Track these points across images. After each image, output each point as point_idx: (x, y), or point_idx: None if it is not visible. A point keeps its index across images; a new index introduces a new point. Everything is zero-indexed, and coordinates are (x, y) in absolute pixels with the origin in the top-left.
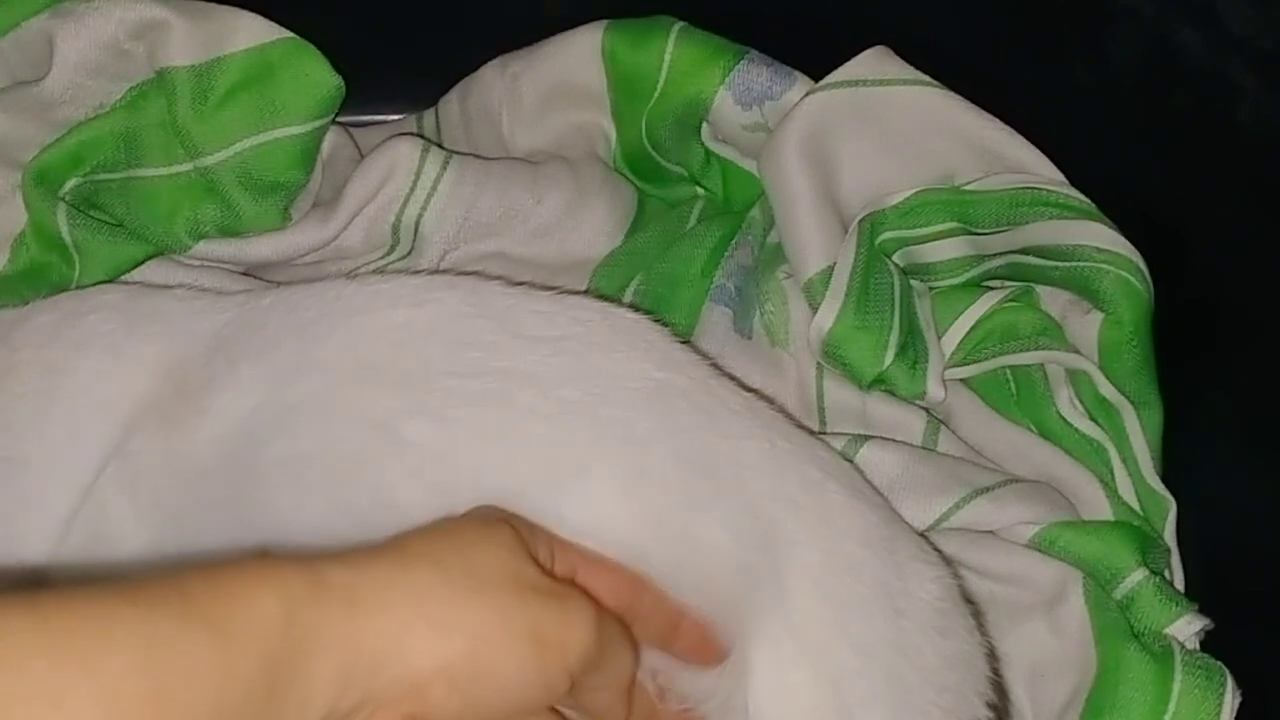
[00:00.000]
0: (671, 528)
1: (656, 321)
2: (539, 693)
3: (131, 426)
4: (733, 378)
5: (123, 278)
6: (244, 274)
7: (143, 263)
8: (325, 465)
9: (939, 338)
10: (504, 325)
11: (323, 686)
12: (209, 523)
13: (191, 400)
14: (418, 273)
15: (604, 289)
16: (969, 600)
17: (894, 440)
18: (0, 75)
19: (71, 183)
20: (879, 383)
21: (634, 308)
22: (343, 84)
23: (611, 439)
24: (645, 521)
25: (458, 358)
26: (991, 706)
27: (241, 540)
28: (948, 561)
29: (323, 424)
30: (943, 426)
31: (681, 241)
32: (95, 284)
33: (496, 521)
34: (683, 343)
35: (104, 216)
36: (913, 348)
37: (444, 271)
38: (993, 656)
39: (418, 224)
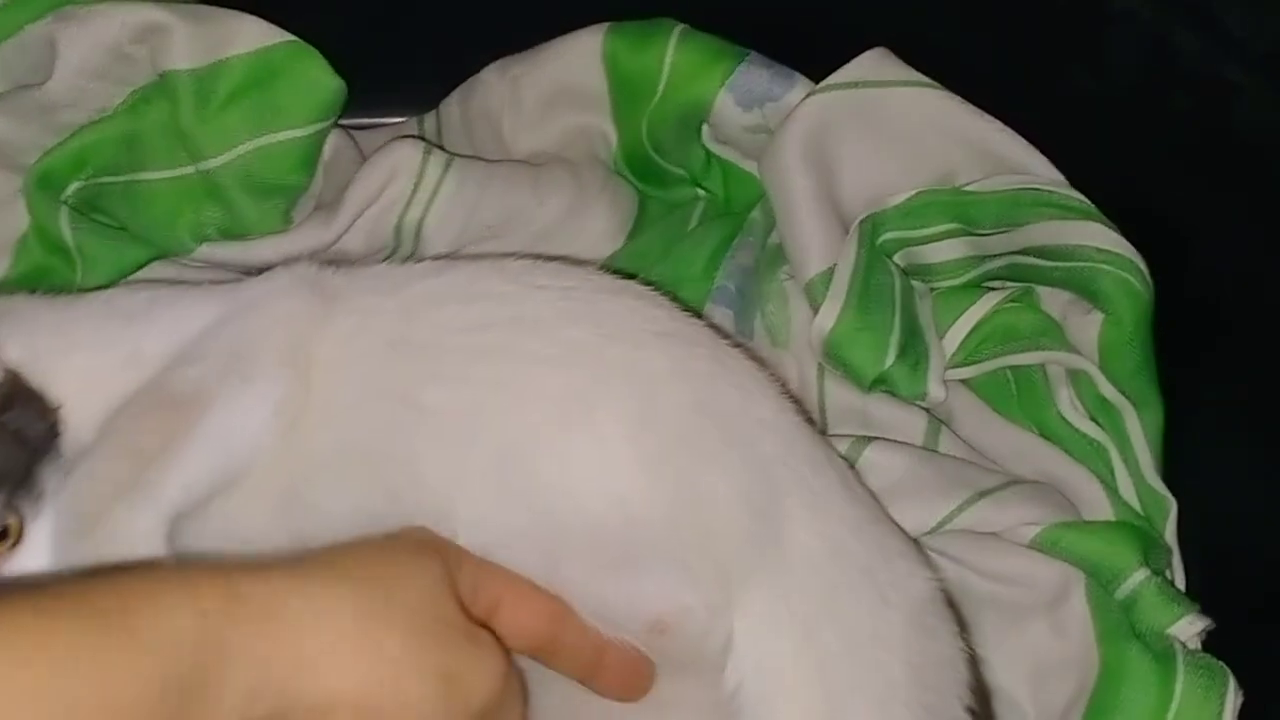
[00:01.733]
0: (677, 475)
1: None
2: None
3: None
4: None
5: (124, 280)
6: (246, 276)
7: (145, 265)
8: (362, 448)
9: (940, 338)
10: (517, 279)
11: (232, 699)
12: (256, 513)
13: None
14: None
15: None
16: (952, 606)
17: (897, 442)
18: (2, 79)
19: (74, 186)
20: (880, 383)
21: None
22: (344, 86)
23: (619, 378)
24: (651, 466)
25: (469, 312)
26: (971, 713)
27: (289, 529)
28: (934, 566)
29: (354, 406)
30: (944, 427)
31: (682, 243)
32: (97, 287)
33: (428, 551)
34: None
35: (106, 219)
36: (914, 348)
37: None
38: (974, 664)
39: (420, 227)
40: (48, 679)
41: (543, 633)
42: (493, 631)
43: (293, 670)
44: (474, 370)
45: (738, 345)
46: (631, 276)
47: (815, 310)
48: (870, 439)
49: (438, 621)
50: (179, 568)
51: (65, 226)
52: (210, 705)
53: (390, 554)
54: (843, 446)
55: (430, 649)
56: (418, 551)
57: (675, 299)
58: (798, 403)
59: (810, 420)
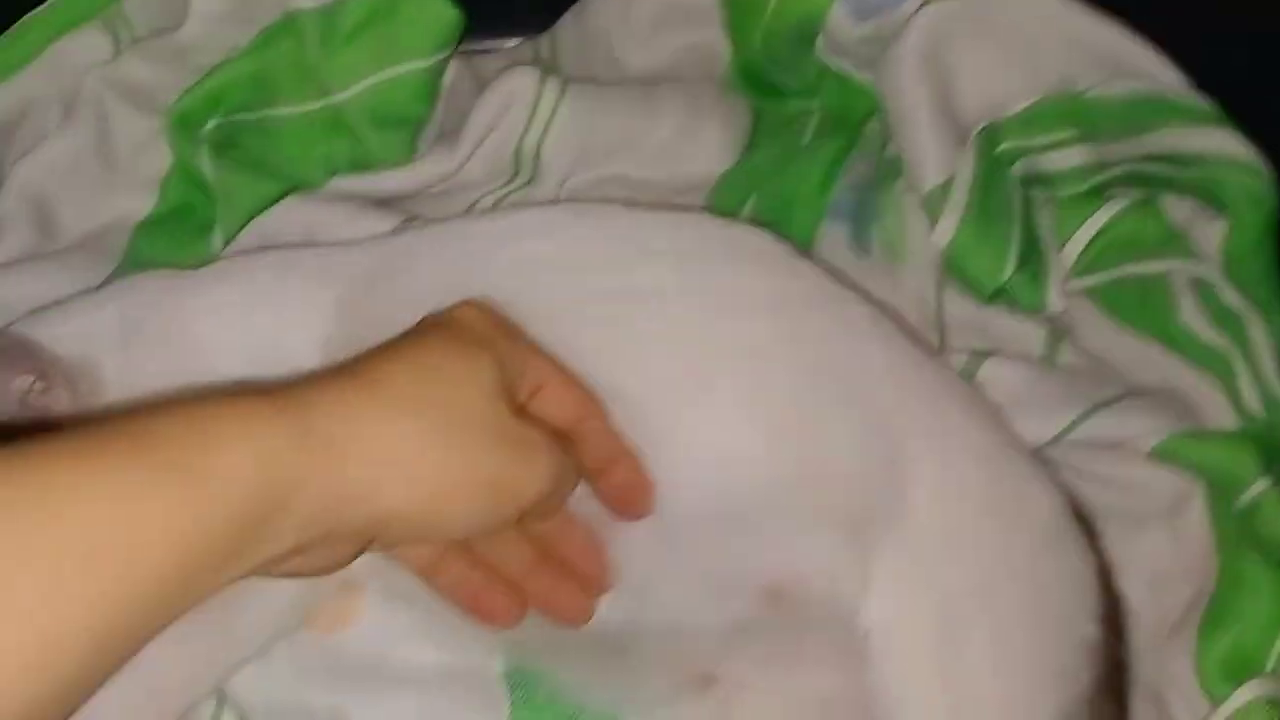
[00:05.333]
0: (796, 440)
1: (776, 236)
2: (488, 527)
3: (327, 361)
4: (856, 290)
5: (261, 215)
6: (375, 206)
7: (279, 199)
8: None
9: (1060, 249)
10: (627, 244)
11: (292, 527)
12: None
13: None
14: (543, 203)
15: (721, 208)
16: (1082, 519)
17: (1015, 355)
18: (141, 26)
19: (211, 124)
20: (999, 296)
21: (752, 223)
22: (461, 16)
23: (735, 351)
24: (772, 435)
25: (583, 284)
26: (1103, 623)
27: None
28: (1061, 481)
29: None
30: (1064, 338)
31: (797, 158)
32: (237, 222)
33: (480, 353)
34: (803, 257)
35: (242, 156)
36: (1033, 259)
37: (565, 200)
38: (1106, 574)
39: (538, 152)
40: (108, 517)
41: (571, 423)
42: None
43: (350, 499)
44: (587, 339)
45: (851, 287)
46: (747, 195)
47: (933, 223)
48: (989, 352)
49: (490, 433)
50: (238, 402)
51: (205, 164)
52: (270, 534)
53: (444, 366)
54: (960, 361)
55: (482, 463)
56: (469, 355)
57: (789, 223)
58: (914, 333)
59: (928, 345)
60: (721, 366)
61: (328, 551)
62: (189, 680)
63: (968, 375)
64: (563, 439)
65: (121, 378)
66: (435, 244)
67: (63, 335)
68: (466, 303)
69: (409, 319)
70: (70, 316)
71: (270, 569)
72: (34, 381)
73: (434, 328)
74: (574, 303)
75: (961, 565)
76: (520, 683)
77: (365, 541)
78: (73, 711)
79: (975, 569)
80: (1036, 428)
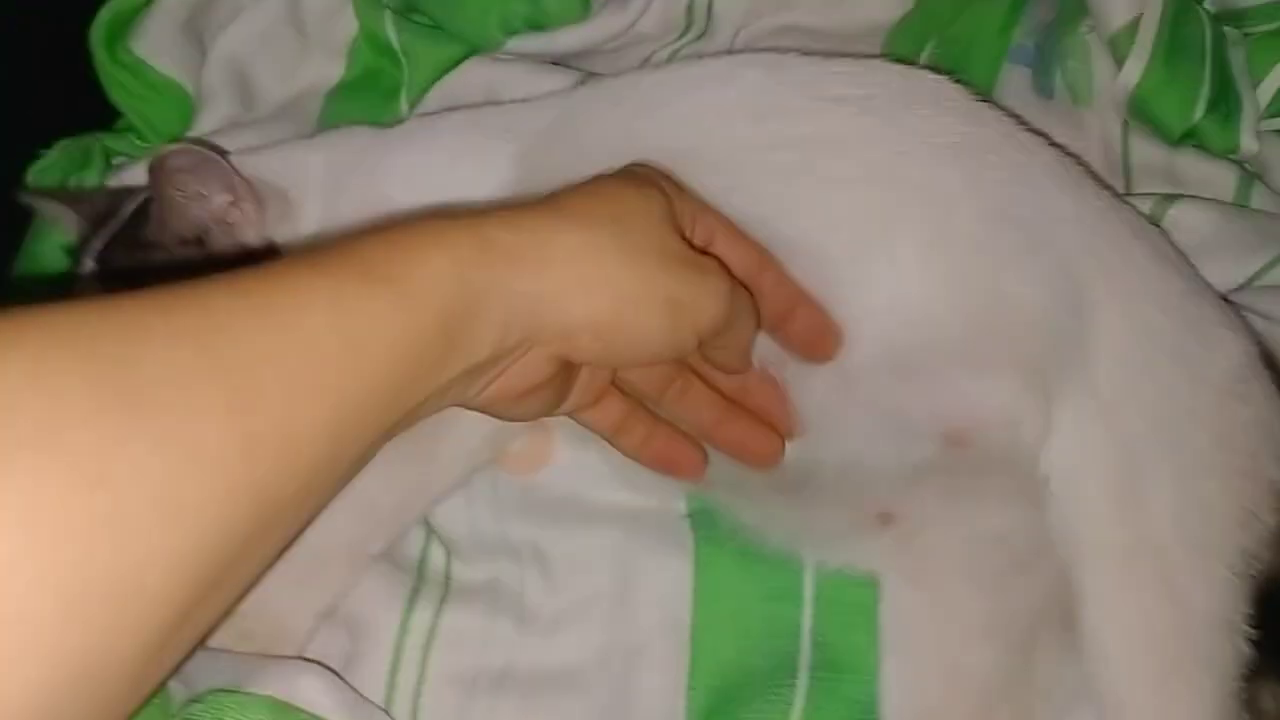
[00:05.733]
0: (980, 287)
1: (956, 81)
2: (669, 349)
3: None
4: (1039, 134)
5: (444, 77)
6: (552, 65)
7: (461, 62)
8: None
9: (1254, 88)
10: (806, 91)
11: (489, 332)
12: None
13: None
14: (718, 55)
15: (899, 53)
16: (1272, 365)
17: (1204, 198)
18: None
19: None
20: (1189, 138)
21: (931, 69)
22: None
23: (917, 200)
24: (955, 281)
25: (763, 131)
26: None
27: None
28: (1250, 327)
29: None
30: (1256, 181)
31: (976, 0)
32: (422, 86)
33: (650, 187)
34: (984, 102)
35: (425, 20)
36: (1225, 99)
37: (740, 50)
38: None
39: (710, 4)
40: (331, 323)
41: (747, 270)
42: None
43: (539, 304)
44: (771, 187)
45: (1034, 132)
46: (925, 40)
47: (1120, 64)
48: (1176, 196)
49: (664, 253)
50: (434, 222)
51: (390, 29)
52: (471, 341)
53: (618, 195)
54: (1146, 206)
55: (659, 280)
56: (643, 188)
57: (969, 67)
58: (1098, 178)
59: (1113, 190)
60: (905, 213)
61: (523, 369)
62: (399, 506)
63: (1154, 220)
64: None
65: (322, 221)
66: (613, 97)
67: (274, 168)
68: (636, 163)
69: (587, 170)
70: (283, 154)
71: (476, 383)
72: (232, 201)
73: (605, 175)
74: (754, 151)
75: (1145, 410)
76: (704, 522)
77: (557, 359)
78: (311, 515)
79: (1160, 414)
80: (1226, 272)
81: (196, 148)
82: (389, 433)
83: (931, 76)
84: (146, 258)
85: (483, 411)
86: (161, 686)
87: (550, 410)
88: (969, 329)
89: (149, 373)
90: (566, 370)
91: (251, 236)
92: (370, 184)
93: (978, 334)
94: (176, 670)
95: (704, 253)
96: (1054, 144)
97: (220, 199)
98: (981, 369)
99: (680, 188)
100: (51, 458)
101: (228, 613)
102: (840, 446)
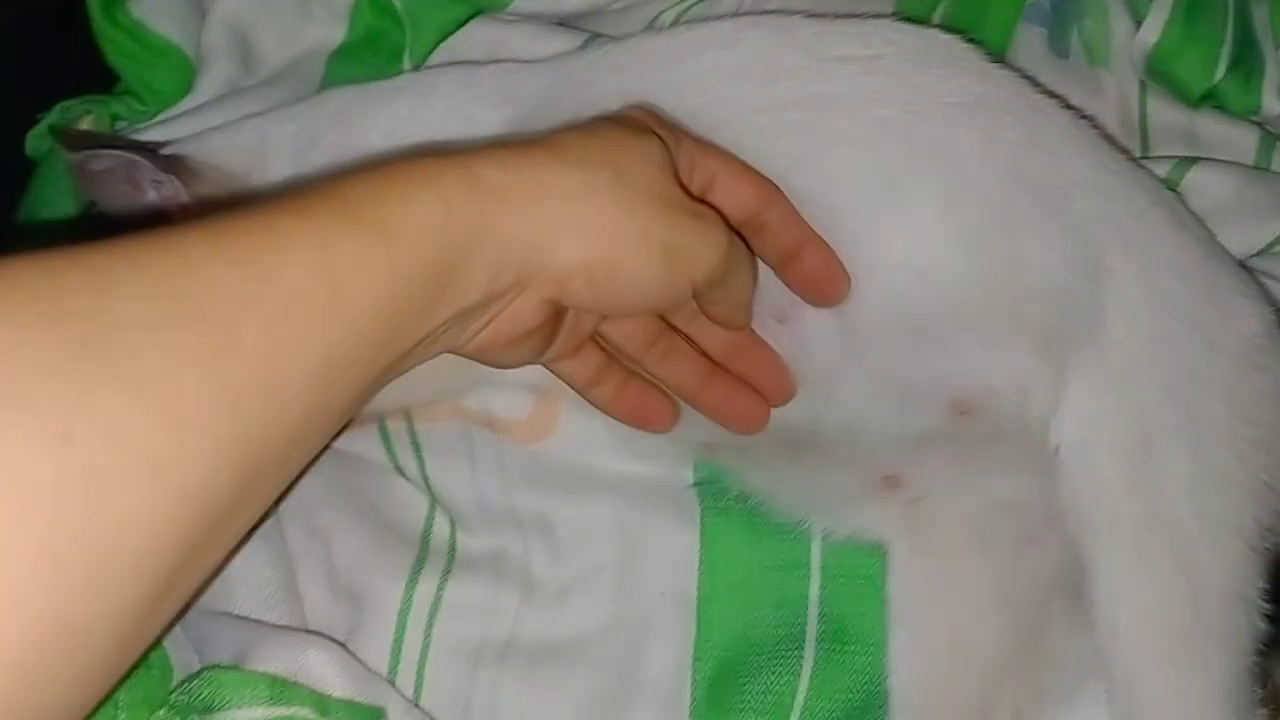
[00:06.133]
0: (994, 247)
1: (970, 41)
2: (662, 296)
3: None
4: (1054, 96)
5: (448, 39)
6: (558, 25)
7: (465, 22)
8: None
9: (1277, 48)
10: (812, 51)
11: (480, 275)
12: None
13: None
14: (724, 16)
15: (911, 13)
16: None
17: (1224, 161)
18: None
19: None
20: (1209, 99)
21: (944, 29)
22: None
23: (929, 157)
24: (967, 242)
25: (768, 92)
26: None
27: None
28: (1269, 294)
29: None
30: (1278, 143)
31: None
32: (425, 47)
33: (647, 131)
34: (998, 62)
35: None
36: (1247, 59)
37: (747, 12)
38: None
39: None
40: (314, 268)
41: (752, 208)
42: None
43: (531, 245)
44: (778, 145)
45: (1049, 93)
46: (937, 2)
47: (1138, 23)
48: (1194, 160)
49: (661, 199)
50: (421, 161)
51: None
52: (461, 284)
53: (614, 139)
54: (1164, 169)
55: (655, 226)
56: (640, 132)
57: (983, 25)
58: (1114, 141)
59: (1128, 153)
60: (918, 172)
61: (513, 314)
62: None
63: (1172, 183)
64: (742, 230)
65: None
66: (612, 63)
67: (236, 147)
68: (634, 105)
69: None
70: (252, 129)
71: (466, 328)
72: (168, 196)
73: (602, 119)
74: (762, 111)
75: (1160, 380)
76: (711, 491)
77: (549, 304)
78: (300, 466)
79: (1174, 384)
80: (1245, 237)
81: (115, 152)
82: (379, 380)
83: (943, 36)
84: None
85: (473, 358)
86: (154, 646)
87: (537, 357)
88: (981, 292)
89: (118, 323)
90: (556, 316)
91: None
92: (349, 134)
93: (990, 298)
94: (168, 630)
95: (704, 201)
96: (1070, 106)
97: (151, 195)
98: (992, 336)
99: (679, 131)
100: (13, 413)
101: (218, 570)
102: (843, 409)
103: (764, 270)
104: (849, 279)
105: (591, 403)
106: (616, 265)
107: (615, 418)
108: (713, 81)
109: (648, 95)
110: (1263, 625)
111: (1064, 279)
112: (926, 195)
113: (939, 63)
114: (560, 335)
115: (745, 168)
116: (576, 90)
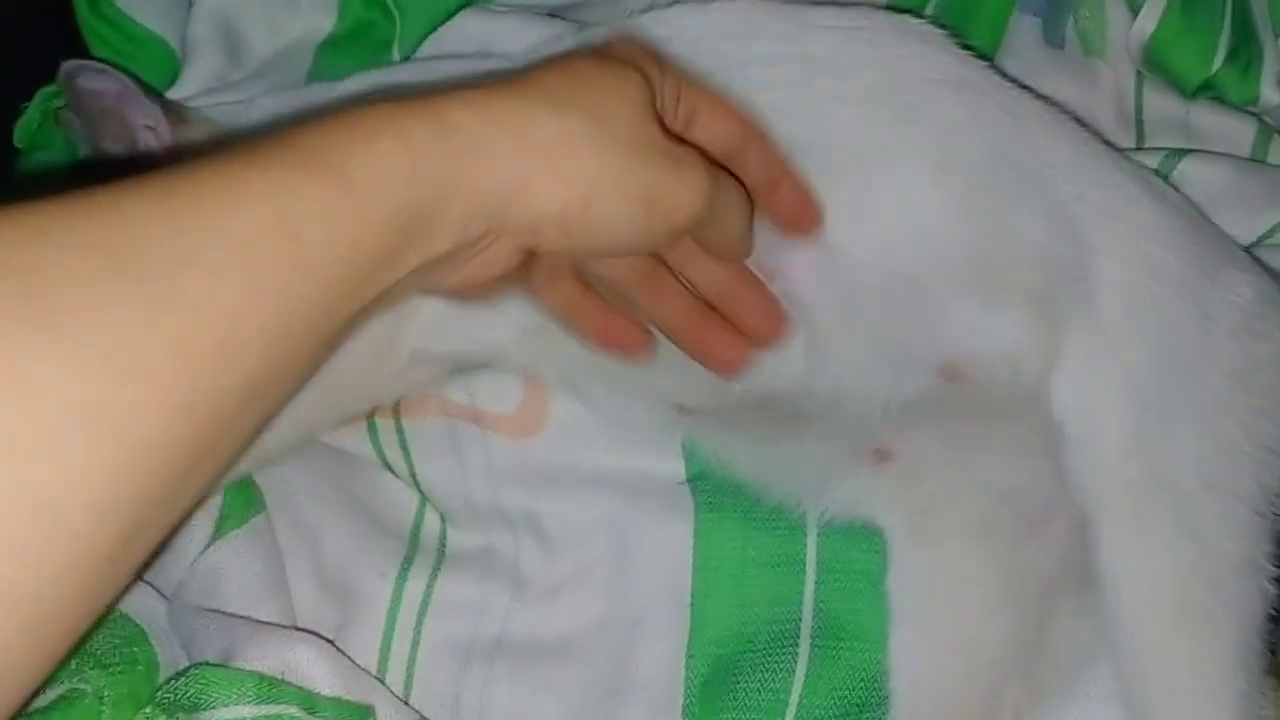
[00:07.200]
0: (985, 213)
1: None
2: (641, 244)
3: None
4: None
5: (439, 29)
6: (548, 15)
7: (455, 13)
8: None
9: (1276, 37)
10: (794, 17)
11: (449, 225)
12: None
13: None
14: None
15: (905, 2)
16: None
17: (1217, 153)
18: None
19: None
20: (1206, 89)
21: (937, 21)
22: None
23: (921, 122)
24: (958, 205)
25: (751, 49)
26: None
27: None
28: (1264, 267)
29: None
30: (1275, 135)
31: None
32: (415, 38)
33: (630, 69)
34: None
35: None
36: (1245, 49)
37: None
38: None
39: None
40: (269, 218)
41: (732, 142)
42: (691, 144)
43: (503, 194)
44: (767, 96)
45: (1024, 88)
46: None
47: (1135, 13)
48: (1186, 151)
49: (640, 144)
50: (389, 106)
51: None
52: (429, 235)
53: (592, 78)
54: (1155, 161)
55: (633, 173)
56: (620, 71)
57: (978, 15)
58: (1089, 128)
59: (1105, 141)
60: (911, 132)
61: (486, 260)
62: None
63: (1163, 174)
64: (725, 163)
65: None
66: (594, 37)
67: (226, 111)
68: (619, 36)
69: None
70: (241, 104)
71: (434, 275)
72: (149, 127)
73: (583, 54)
74: (748, 64)
75: (1155, 347)
76: (704, 488)
77: (521, 249)
78: (267, 418)
79: (1170, 351)
80: (1238, 229)
81: (112, 70)
82: (344, 330)
83: (916, 21)
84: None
85: (443, 299)
86: (115, 603)
87: (513, 293)
88: (970, 256)
89: (55, 280)
90: (530, 257)
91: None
92: (306, 115)
93: (979, 262)
94: (128, 589)
95: (684, 139)
96: (1040, 96)
97: (137, 123)
98: (982, 300)
99: (662, 65)
100: None
101: (182, 521)
102: (831, 371)
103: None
104: (821, 213)
105: (571, 329)
106: (592, 214)
107: (595, 345)
108: (695, 37)
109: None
110: (1272, 590)
111: (1050, 248)
112: (920, 155)
113: (915, 39)
114: (537, 273)
115: (726, 104)
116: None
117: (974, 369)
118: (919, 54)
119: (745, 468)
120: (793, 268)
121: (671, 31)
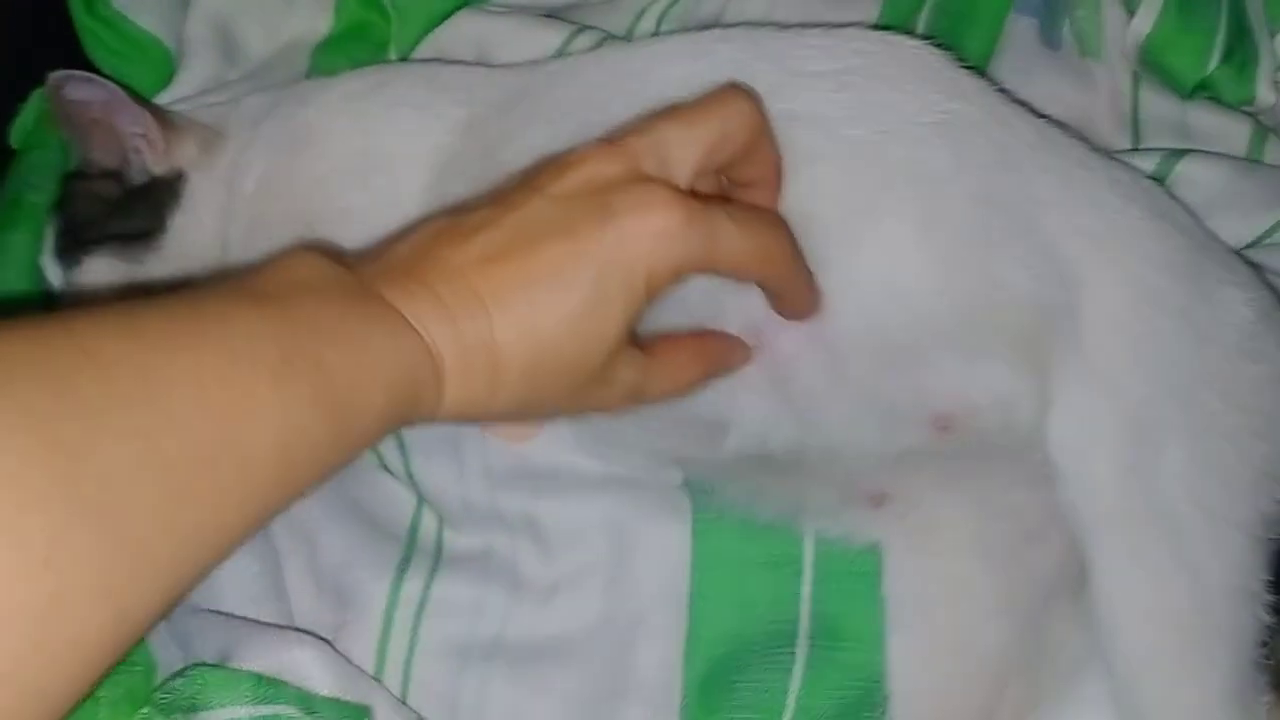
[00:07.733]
0: (967, 267)
1: (941, 49)
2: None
3: (443, 174)
4: (1028, 105)
5: (435, 30)
6: (544, 18)
7: (451, 14)
8: None
9: (1272, 37)
10: (782, 65)
11: (427, 403)
12: None
13: (495, 156)
14: (694, 30)
15: (901, 6)
16: None
17: (1214, 153)
18: None
19: None
20: (1202, 90)
21: (928, 33)
22: None
23: (903, 179)
24: (941, 262)
25: None
26: None
27: None
28: (1263, 283)
29: None
30: (1271, 134)
31: None
32: (411, 39)
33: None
34: (969, 69)
35: None
36: (1242, 49)
37: (732, 6)
38: None
39: None
40: (269, 443)
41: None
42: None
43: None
44: None
45: (1018, 102)
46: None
47: (1131, 13)
48: (1183, 152)
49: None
50: (381, 305)
51: None
52: (415, 415)
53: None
54: (1152, 163)
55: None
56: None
57: (974, 17)
58: (1083, 138)
59: (1105, 152)
60: (893, 189)
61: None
62: None
63: (1161, 176)
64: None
65: (239, 154)
66: (577, 70)
67: (218, 113)
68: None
69: (541, 140)
70: (238, 102)
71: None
72: (140, 134)
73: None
74: None
75: (1150, 376)
76: (702, 489)
77: None
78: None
79: (1165, 378)
80: (1234, 230)
81: (99, 79)
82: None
83: (910, 45)
84: (89, 187)
85: None
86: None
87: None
88: (956, 311)
89: (98, 468)
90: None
91: (159, 169)
92: (298, 112)
93: (964, 316)
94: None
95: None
96: (1040, 115)
97: (127, 130)
98: (968, 353)
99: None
100: (5, 538)
101: None
102: (823, 431)
103: (738, 294)
104: (821, 297)
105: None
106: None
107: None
108: (680, 92)
109: (609, 103)
110: (1267, 618)
111: (1036, 294)
112: (903, 213)
113: (909, 77)
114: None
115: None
116: (538, 94)
117: (966, 419)
118: (909, 95)
119: (742, 506)
120: (780, 338)
121: (658, 83)
